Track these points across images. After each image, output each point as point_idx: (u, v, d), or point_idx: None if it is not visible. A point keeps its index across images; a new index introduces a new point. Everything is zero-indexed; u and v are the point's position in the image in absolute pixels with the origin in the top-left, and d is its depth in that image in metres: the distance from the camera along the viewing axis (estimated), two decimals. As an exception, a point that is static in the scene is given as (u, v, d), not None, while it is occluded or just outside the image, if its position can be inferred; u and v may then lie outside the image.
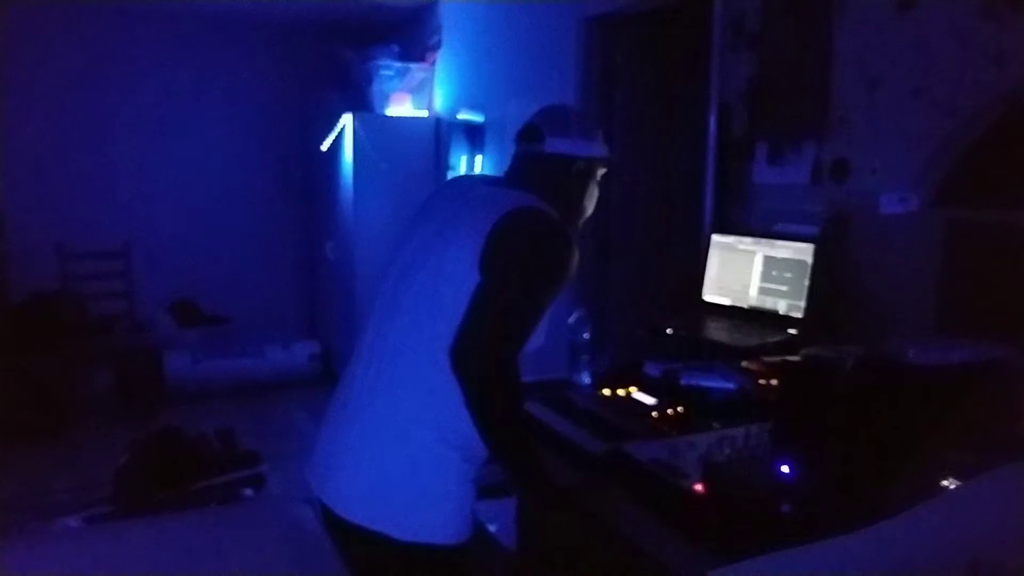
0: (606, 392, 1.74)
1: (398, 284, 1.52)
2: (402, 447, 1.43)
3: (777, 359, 1.66)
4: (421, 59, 4.88)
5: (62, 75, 5.15)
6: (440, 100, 4.86)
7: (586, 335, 1.90)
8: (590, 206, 1.70)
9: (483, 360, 1.36)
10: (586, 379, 1.86)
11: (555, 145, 1.61)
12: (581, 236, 3.00)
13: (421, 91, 4.88)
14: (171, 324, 5.33)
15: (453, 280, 1.41)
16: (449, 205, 1.56)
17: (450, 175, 4.44)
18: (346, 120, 4.76)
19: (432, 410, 1.42)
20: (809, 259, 2.02)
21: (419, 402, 1.43)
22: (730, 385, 1.63)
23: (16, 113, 4.90)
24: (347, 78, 5.01)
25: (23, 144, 4.96)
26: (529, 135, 1.64)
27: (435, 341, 1.40)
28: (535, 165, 1.62)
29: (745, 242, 2.24)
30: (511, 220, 1.44)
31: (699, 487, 1.17)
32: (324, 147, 5.10)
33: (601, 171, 1.69)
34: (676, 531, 1.15)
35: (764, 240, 2.19)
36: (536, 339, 1.47)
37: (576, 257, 1.50)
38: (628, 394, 1.71)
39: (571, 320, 1.93)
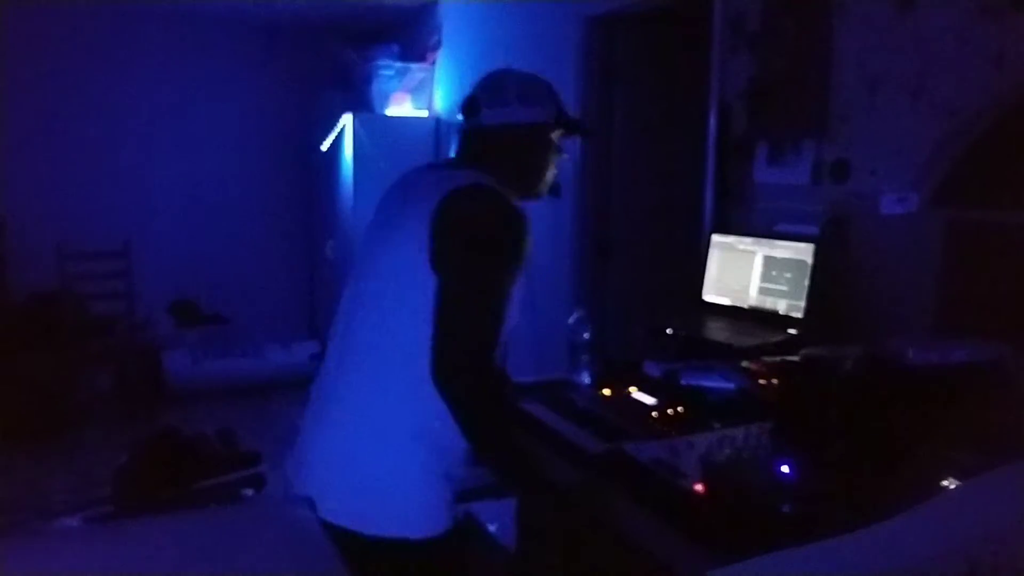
0: (606, 392, 1.74)
1: (359, 281, 1.53)
2: (367, 443, 1.43)
3: (777, 359, 1.66)
4: (421, 59, 4.88)
5: (62, 75, 5.15)
6: (440, 100, 4.86)
7: (586, 335, 1.90)
8: (549, 173, 1.62)
9: (466, 378, 1.35)
10: (586, 379, 1.86)
11: (493, 116, 1.54)
12: (581, 236, 3.01)
13: (421, 91, 4.87)
14: (171, 324, 5.33)
15: (406, 272, 1.41)
16: (399, 196, 1.56)
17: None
18: (346, 120, 4.76)
19: (396, 406, 1.42)
20: (809, 259, 2.02)
21: (384, 399, 1.43)
22: (730, 385, 1.63)
23: (16, 113, 4.90)
24: (347, 78, 5.01)
25: (23, 144, 4.96)
26: (467, 109, 1.58)
27: (398, 336, 1.41)
28: (477, 140, 1.57)
29: (745, 242, 2.24)
30: (450, 203, 1.41)
31: (699, 487, 1.17)
32: (324, 147, 5.10)
33: (556, 134, 1.60)
34: (676, 531, 1.15)
35: (764, 240, 2.19)
36: (509, 321, 1.45)
37: (528, 227, 1.45)
38: (628, 394, 1.71)
39: (571, 320, 1.93)
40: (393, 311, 1.43)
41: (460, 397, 1.35)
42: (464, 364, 1.34)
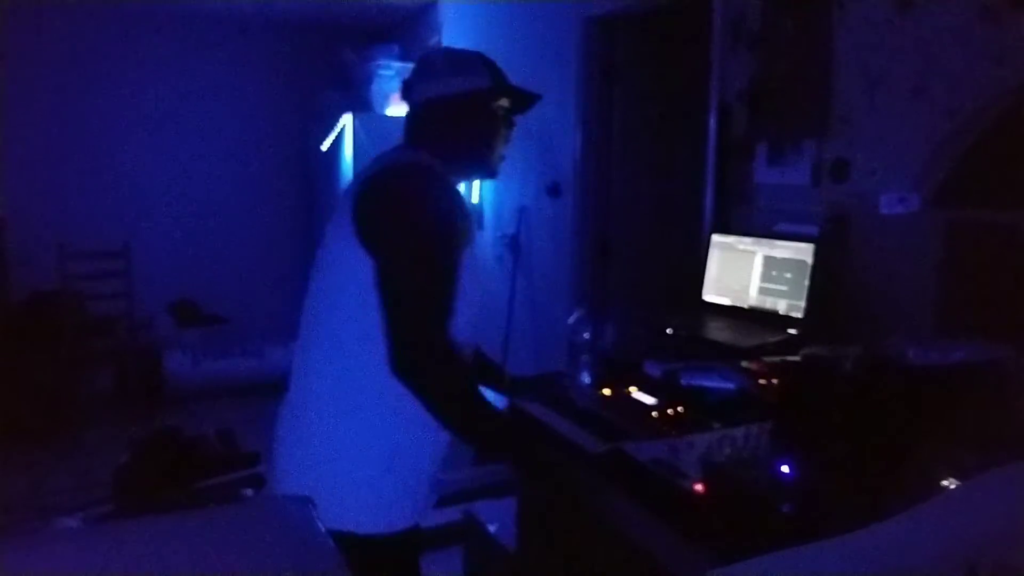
0: (606, 392, 1.73)
1: (310, 280, 1.54)
2: (321, 437, 1.44)
3: (777, 359, 1.66)
4: (421, 59, 4.88)
5: (62, 75, 5.15)
6: (440, 100, 4.86)
7: (586, 335, 1.90)
8: (496, 143, 1.56)
9: (422, 363, 1.34)
10: (586, 379, 1.85)
11: (424, 91, 1.52)
12: (581, 236, 3.00)
13: (421, 91, 4.87)
14: (171, 324, 5.33)
15: (341, 262, 1.41)
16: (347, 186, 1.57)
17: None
18: (346, 120, 4.76)
19: (350, 402, 1.42)
20: (809, 259, 2.02)
21: (334, 393, 1.43)
22: (730, 385, 1.63)
23: (16, 113, 4.90)
24: (347, 78, 5.01)
25: (23, 144, 4.96)
26: (403, 92, 1.58)
27: (345, 325, 1.41)
28: (415, 119, 1.56)
29: (745, 242, 2.24)
30: (372, 184, 1.41)
31: (699, 487, 1.17)
32: (324, 147, 5.10)
33: (499, 103, 1.54)
34: (676, 531, 1.15)
35: (764, 240, 2.19)
36: (472, 296, 1.44)
37: (455, 200, 1.42)
38: (628, 394, 1.71)
39: (571, 320, 1.92)
40: (337, 303, 1.43)
41: (422, 385, 1.35)
42: (416, 350, 1.33)
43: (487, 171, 1.60)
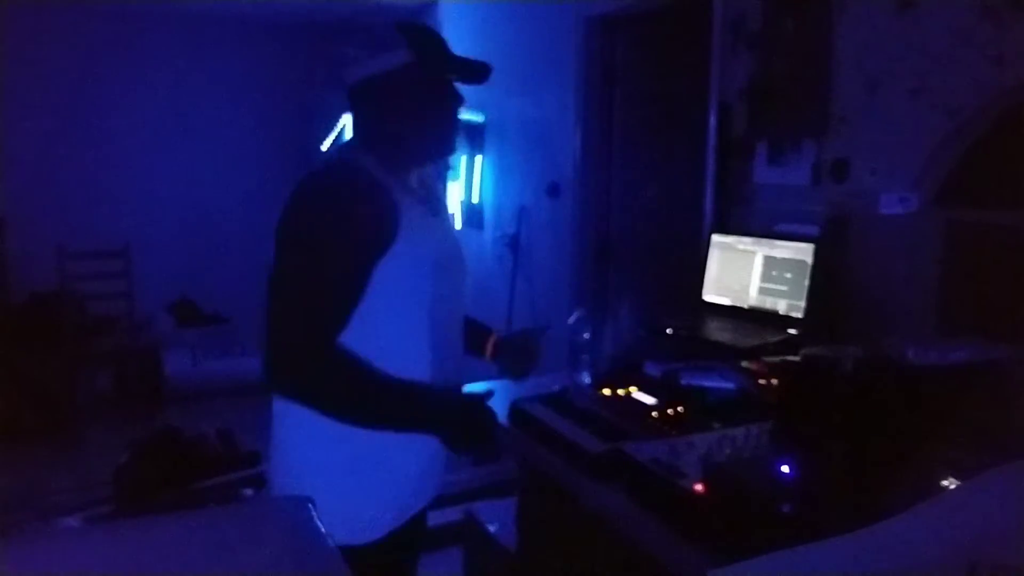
0: (606, 392, 1.73)
1: None
2: (287, 445, 1.42)
3: (777, 359, 1.66)
4: (421, 59, 4.88)
5: (62, 75, 5.15)
6: (440, 100, 4.86)
7: (586, 335, 1.90)
8: (435, 121, 1.42)
9: (289, 370, 1.25)
10: (586, 379, 1.85)
11: (352, 75, 1.40)
12: (581, 236, 2.99)
13: (421, 91, 4.87)
14: (171, 324, 5.33)
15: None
16: None
17: (450, 175, 4.44)
18: (346, 120, 4.76)
19: (292, 410, 1.35)
20: (809, 259, 2.02)
21: (284, 404, 1.39)
22: (730, 385, 1.63)
23: (16, 113, 4.90)
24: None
25: (23, 144, 4.96)
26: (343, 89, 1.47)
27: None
28: (352, 114, 1.46)
29: (745, 242, 2.24)
30: (295, 188, 1.34)
31: (699, 487, 1.17)
32: (324, 147, 5.10)
33: (430, 77, 1.40)
34: (676, 531, 1.15)
35: (764, 240, 2.19)
36: (403, 307, 1.32)
37: (377, 203, 1.29)
38: (628, 394, 1.71)
39: (571, 320, 1.92)
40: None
41: (292, 394, 1.28)
42: (286, 359, 1.25)
43: (434, 152, 1.46)
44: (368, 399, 1.31)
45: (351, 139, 1.46)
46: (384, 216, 1.29)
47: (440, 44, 1.43)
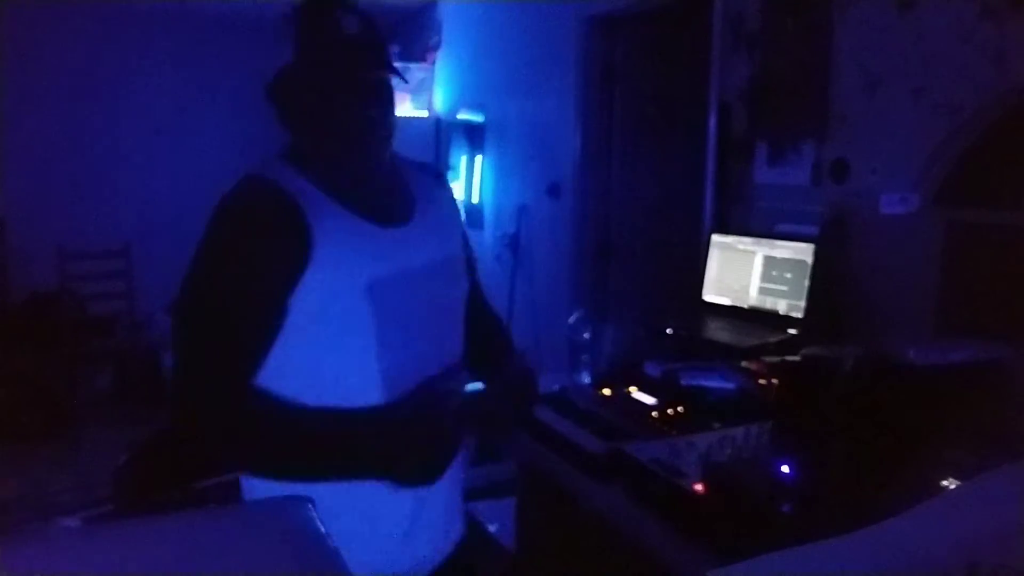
0: (606, 392, 1.74)
1: None
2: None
3: (777, 359, 1.66)
4: (421, 59, 4.88)
5: (62, 75, 5.15)
6: (440, 100, 4.86)
7: (586, 335, 1.90)
8: (330, 112, 1.23)
9: (193, 424, 1.13)
10: (586, 379, 1.86)
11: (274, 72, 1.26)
12: (581, 236, 2.98)
13: (421, 91, 4.87)
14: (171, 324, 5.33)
15: None
16: None
17: (450, 175, 4.44)
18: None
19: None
20: (809, 259, 2.02)
21: None
22: (730, 385, 1.63)
23: (16, 113, 4.90)
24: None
25: (23, 144, 4.96)
26: None
27: None
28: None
29: (745, 242, 2.24)
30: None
31: (699, 487, 1.17)
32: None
33: (345, 65, 1.25)
34: (676, 531, 1.15)
35: (764, 240, 2.19)
36: (326, 338, 1.14)
37: (272, 225, 1.14)
38: (628, 394, 1.71)
39: (571, 320, 1.93)
40: None
41: (195, 435, 1.17)
42: (186, 414, 1.14)
43: (344, 150, 1.25)
44: (281, 448, 1.14)
45: (281, 148, 1.30)
46: (287, 241, 1.13)
47: (321, 32, 1.25)
